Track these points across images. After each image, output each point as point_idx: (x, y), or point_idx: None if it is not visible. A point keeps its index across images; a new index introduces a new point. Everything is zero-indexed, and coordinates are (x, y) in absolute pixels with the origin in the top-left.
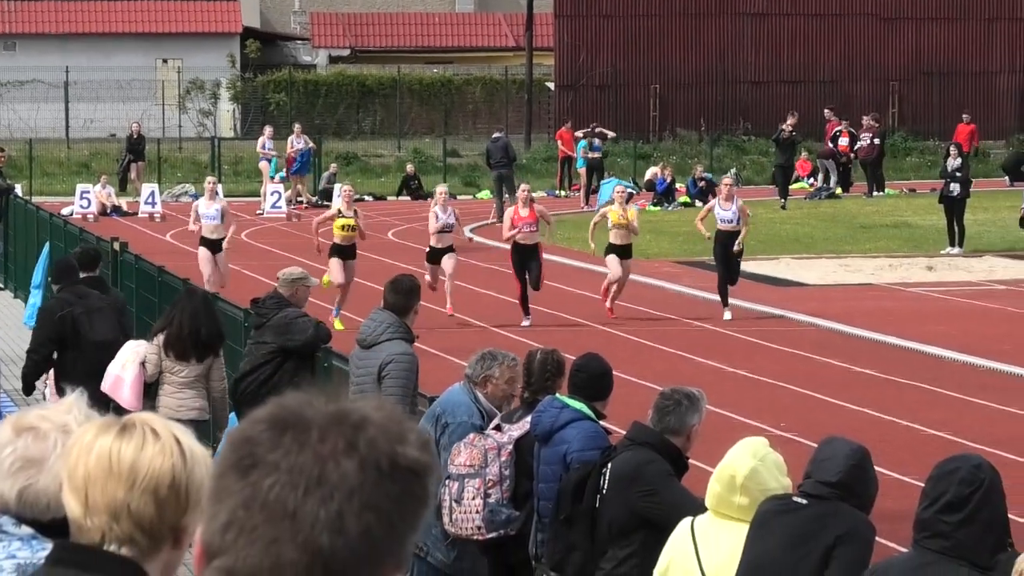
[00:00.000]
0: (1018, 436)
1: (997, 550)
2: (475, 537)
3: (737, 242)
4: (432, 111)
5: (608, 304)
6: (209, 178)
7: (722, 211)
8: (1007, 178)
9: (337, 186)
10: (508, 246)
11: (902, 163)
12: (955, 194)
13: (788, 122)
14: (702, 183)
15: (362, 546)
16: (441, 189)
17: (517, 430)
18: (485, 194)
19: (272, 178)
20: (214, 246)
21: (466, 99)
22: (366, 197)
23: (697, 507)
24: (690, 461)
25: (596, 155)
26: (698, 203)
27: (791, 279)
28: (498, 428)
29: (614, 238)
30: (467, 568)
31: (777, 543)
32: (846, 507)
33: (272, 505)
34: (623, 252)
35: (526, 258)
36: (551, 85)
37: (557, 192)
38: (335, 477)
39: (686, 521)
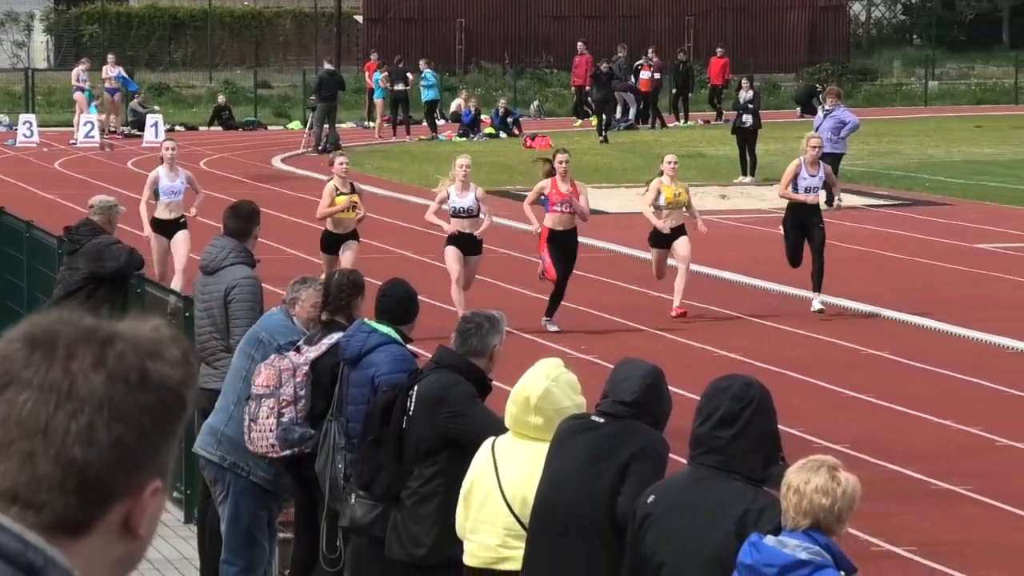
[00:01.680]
0: (802, 358)
1: (769, 463)
2: (270, 455)
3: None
4: (243, 43)
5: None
6: (167, 144)
7: (808, 176)
8: (798, 109)
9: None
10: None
11: (698, 95)
12: (747, 125)
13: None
14: (505, 115)
15: (114, 455)
16: (463, 161)
17: (314, 351)
18: (296, 124)
19: (89, 107)
20: (171, 229)
21: (276, 32)
22: (178, 127)
23: (499, 427)
24: (493, 383)
25: (402, 88)
26: (502, 134)
27: (593, 208)
28: (297, 349)
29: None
30: (287, 484)
31: (576, 460)
32: (641, 425)
33: (26, 421)
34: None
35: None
36: (359, 18)
37: (365, 123)
38: (84, 391)
39: (488, 441)
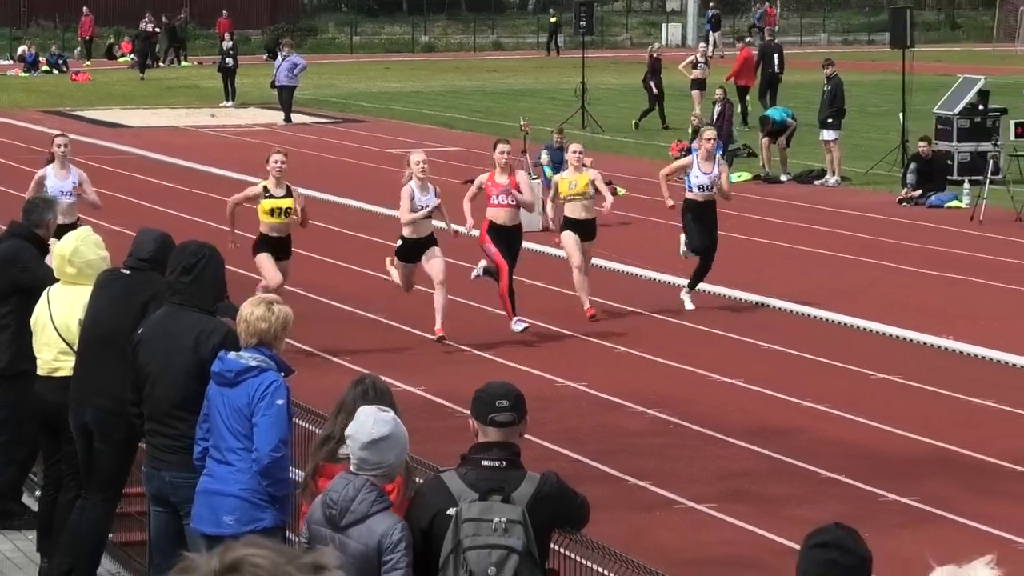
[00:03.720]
0: None
1: (218, 300)
2: None
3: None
4: None
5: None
6: (59, 139)
7: (701, 173)
8: (266, 55)
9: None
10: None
11: (193, 44)
12: (230, 66)
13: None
14: (58, 57)
15: None
16: (418, 158)
17: None
18: None
19: None
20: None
21: None
22: None
23: (54, 278)
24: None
25: None
26: (55, 71)
27: (121, 123)
28: None
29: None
30: None
31: (109, 301)
32: (156, 275)
33: None
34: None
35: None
36: None
37: None
38: None
39: (47, 288)
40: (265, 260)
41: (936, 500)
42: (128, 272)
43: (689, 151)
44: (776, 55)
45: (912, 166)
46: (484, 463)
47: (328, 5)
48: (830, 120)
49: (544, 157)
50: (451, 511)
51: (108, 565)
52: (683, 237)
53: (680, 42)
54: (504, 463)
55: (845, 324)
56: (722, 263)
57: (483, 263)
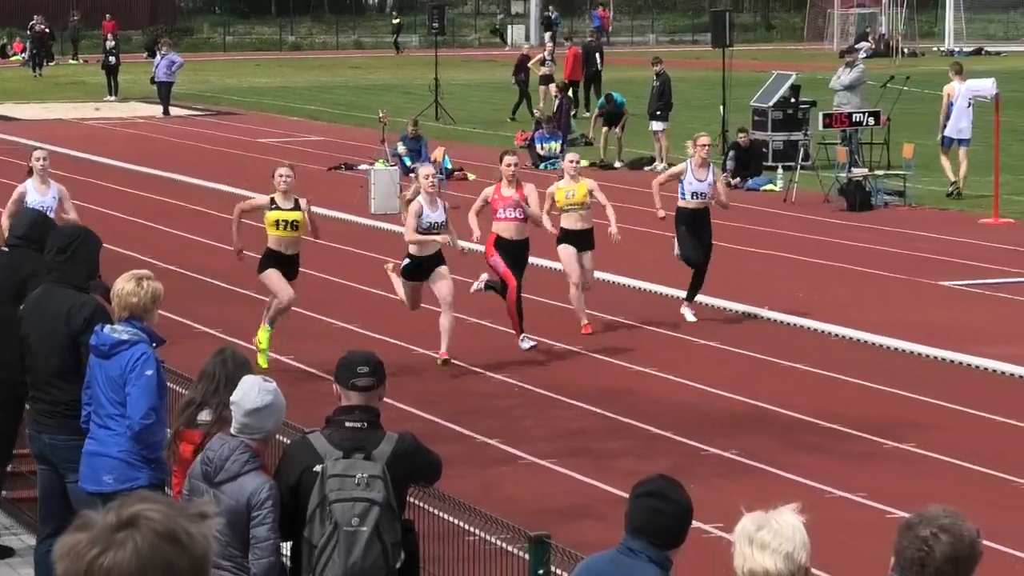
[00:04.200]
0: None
1: (90, 278)
2: None
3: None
4: None
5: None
6: (37, 153)
7: (695, 181)
8: (145, 53)
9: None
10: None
11: (80, 44)
12: (113, 63)
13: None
14: None
15: None
16: (427, 171)
17: None
18: None
19: None
20: None
21: None
22: None
23: None
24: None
25: None
26: None
27: (13, 116)
28: None
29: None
30: None
31: None
32: (33, 252)
33: None
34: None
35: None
36: None
37: None
38: None
39: None
40: (273, 275)
41: (753, 453)
42: (7, 249)
43: (532, 142)
44: (597, 54)
45: (731, 153)
46: (347, 424)
47: (203, 7)
48: (658, 112)
49: (401, 148)
50: (317, 468)
51: (2, 519)
52: (676, 243)
53: (524, 42)
54: (365, 424)
55: (672, 295)
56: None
57: (484, 277)
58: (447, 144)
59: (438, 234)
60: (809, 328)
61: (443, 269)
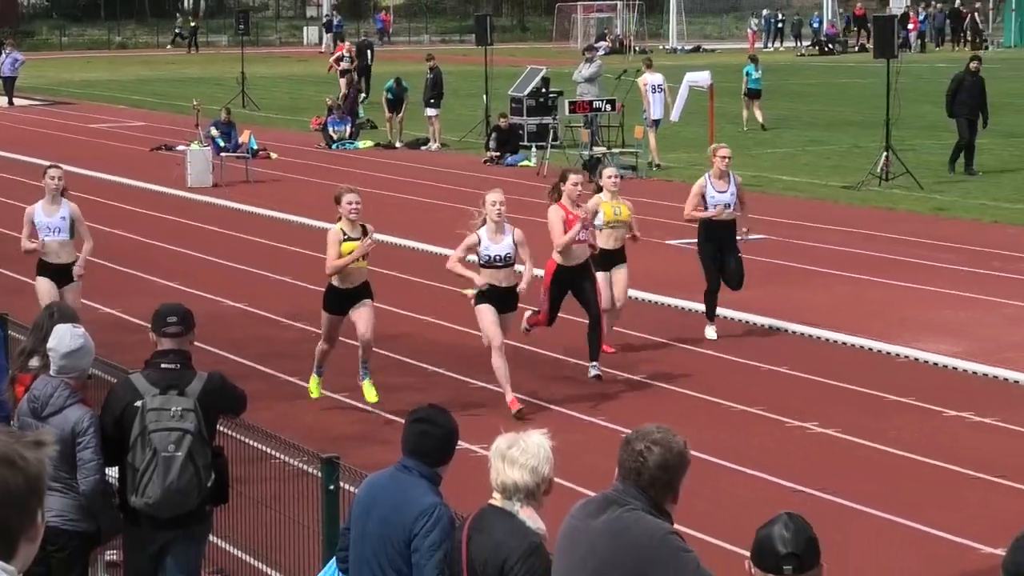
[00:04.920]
0: None
1: None
2: None
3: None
4: None
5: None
6: (51, 171)
7: (716, 193)
8: None
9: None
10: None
11: None
12: None
13: None
14: None
15: None
16: (494, 198)
17: None
18: None
19: None
20: (60, 275)
21: None
22: None
23: None
24: None
25: None
26: None
27: None
28: None
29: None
30: None
31: None
32: None
33: None
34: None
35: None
36: None
37: None
38: None
39: None
40: (329, 318)
41: (515, 386)
42: None
43: (326, 126)
44: (369, 51)
45: (493, 135)
46: (162, 366)
47: (42, 12)
48: (432, 100)
49: (213, 131)
50: (138, 403)
51: None
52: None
53: (318, 41)
54: (178, 365)
55: (440, 254)
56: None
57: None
58: (253, 128)
59: (502, 269)
60: None
61: (515, 304)
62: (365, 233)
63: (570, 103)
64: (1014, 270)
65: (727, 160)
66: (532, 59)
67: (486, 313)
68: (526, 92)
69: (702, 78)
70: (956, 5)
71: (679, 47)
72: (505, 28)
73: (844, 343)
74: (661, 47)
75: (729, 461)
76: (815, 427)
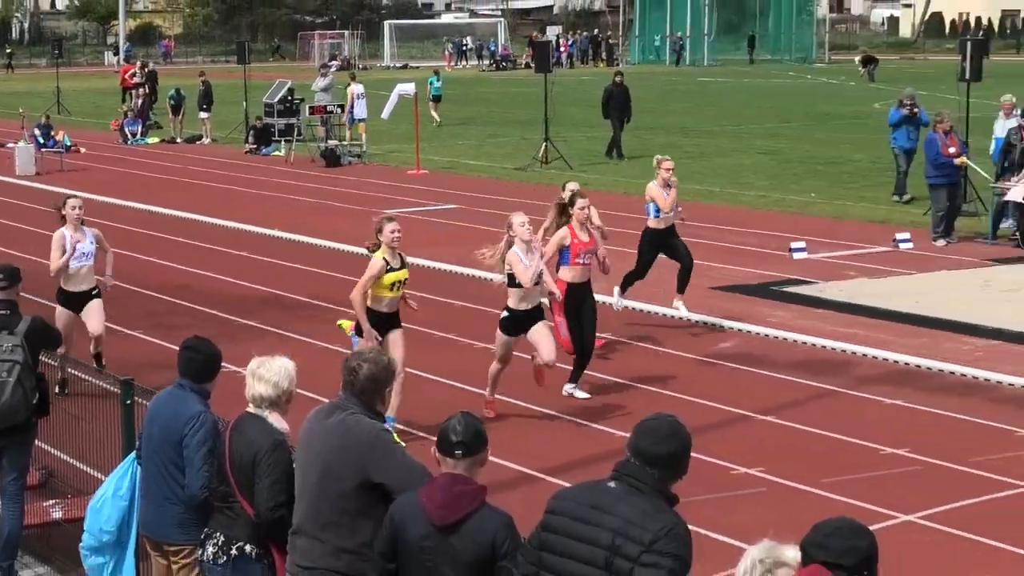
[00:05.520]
0: None
1: None
2: None
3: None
4: None
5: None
6: (72, 202)
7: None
8: None
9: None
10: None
11: None
12: None
13: None
14: None
15: None
16: (521, 219)
17: None
18: None
19: None
20: (80, 302)
21: None
22: None
23: None
24: None
25: None
26: None
27: None
28: None
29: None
30: None
31: None
32: None
33: None
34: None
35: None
36: None
37: None
38: None
39: None
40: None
41: (269, 320)
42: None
43: (123, 127)
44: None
45: (251, 132)
46: None
47: None
48: (205, 106)
49: (36, 131)
50: None
51: None
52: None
53: (115, 63)
54: (8, 312)
55: (238, 229)
56: (155, 193)
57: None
58: (67, 129)
59: (535, 286)
60: (304, 242)
61: (541, 324)
62: (403, 264)
63: (310, 107)
64: (629, 225)
65: (671, 171)
66: (281, 74)
67: (509, 344)
68: (276, 99)
69: (408, 88)
70: (595, 33)
71: (392, 64)
72: (261, 51)
73: None
74: (378, 64)
75: None
76: None
